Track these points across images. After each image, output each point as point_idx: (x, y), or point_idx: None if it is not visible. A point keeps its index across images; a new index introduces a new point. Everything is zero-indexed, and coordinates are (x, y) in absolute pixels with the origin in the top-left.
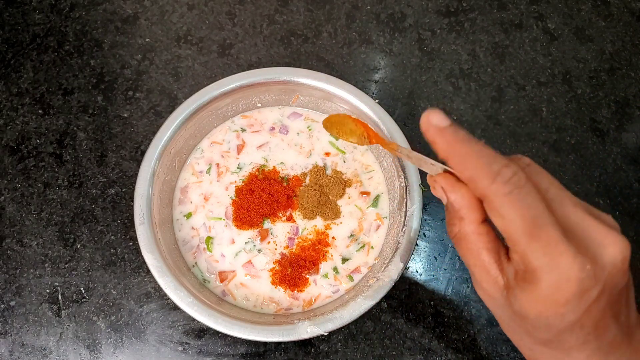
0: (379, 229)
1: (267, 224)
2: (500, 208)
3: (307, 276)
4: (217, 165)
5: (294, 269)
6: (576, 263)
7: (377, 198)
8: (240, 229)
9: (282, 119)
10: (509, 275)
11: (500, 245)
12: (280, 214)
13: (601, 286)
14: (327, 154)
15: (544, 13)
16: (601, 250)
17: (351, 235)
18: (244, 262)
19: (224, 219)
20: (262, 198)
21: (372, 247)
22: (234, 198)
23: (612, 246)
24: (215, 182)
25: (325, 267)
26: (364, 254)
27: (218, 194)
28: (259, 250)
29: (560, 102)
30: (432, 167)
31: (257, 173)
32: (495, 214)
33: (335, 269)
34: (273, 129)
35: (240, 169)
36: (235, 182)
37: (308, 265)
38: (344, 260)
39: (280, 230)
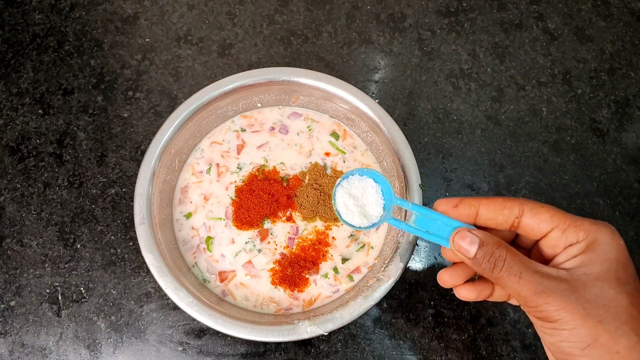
0: (379, 229)
1: (267, 224)
2: (537, 208)
3: (307, 276)
4: (217, 165)
5: (294, 269)
6: (609, 224)
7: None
8: (240, 229)
9: (282, 119)
10: (568, 264)
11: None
12: (280, 214)
13: None
14: (327, 154)
15: (544, 13)
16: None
17: (351, 235)
18: (244, 262)
19: (224, 219)
20: (262, 198)
21: (372, 247)
22: (234, 198)
23: (611, 229)
24: (215, 182)
25: (325, 267)
26: (364, 254)
27: (218, 194)
28: (259, 250)
29: (560, 102)
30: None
31: (257, 173)
32: (537, 216)
33: (335, 269)
34: (273, 129)
35: (240, 169)
36: (235, 182)
37: (308, 265)
38: (344, 260)
39: (280, 230)
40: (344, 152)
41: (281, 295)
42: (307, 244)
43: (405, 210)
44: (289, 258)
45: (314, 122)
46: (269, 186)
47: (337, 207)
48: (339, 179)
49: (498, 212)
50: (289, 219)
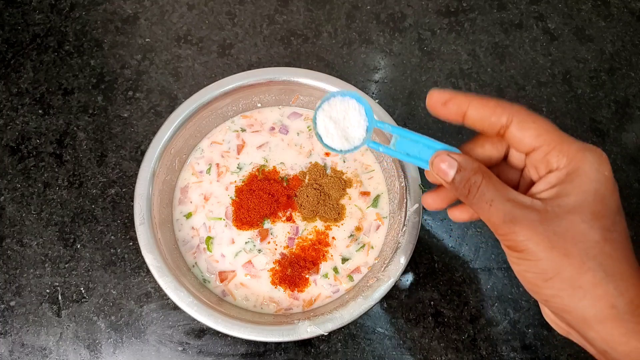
0: (379, 229)
1: (267, 224)
2: (526, 122)
3: (307, 276)
4: (217, 165)
5: (294, 269)
6: (597, 147)
7: (377, 198)
8: (240, 229)
9: (282, 119)
10: (546, 194)
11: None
12: (280, 214)
13: None
14: (327, 154)
15: (544, 13)
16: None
17: (351, 235)
18: (244, 262)
19: (224, 219)
20: (262, 198)
21: (372, 247)
22: (234, 198)
23: (601, 153)
24: (215, 182)
25: (325, 267)
26: (364, 254)
27: (218, 194)
28: (259, 250)
29: (560, 102)
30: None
31: (257, 173)
32: (524, 131)
33: (335, 269)
34: (273, 129)
35: (240, 169)
36: (235, 182)
37: (308, 265)
38: (344, 260)
39: (280, 230)
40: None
41: (281, 295)
42: (307, 244)
43: (406, 210)
44: (289, 258)
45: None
46: (269, 186)
47: (317, 130)
48: (319, 101)
49: (486, 117)
50: (289, 219)
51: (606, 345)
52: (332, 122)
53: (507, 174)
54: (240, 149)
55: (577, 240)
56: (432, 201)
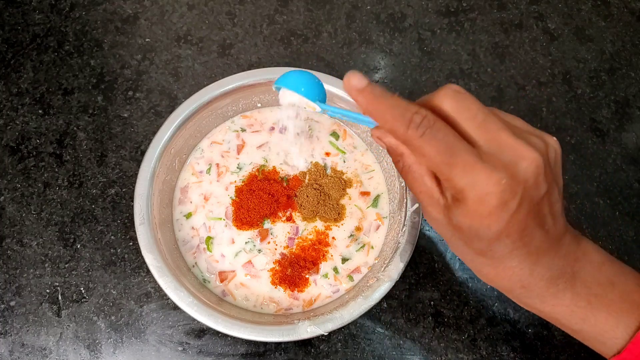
0: (379, 229)
1: (267, 224)
2: (419, 149)
3: (307, 276)
4: (217, 165)
5: (294, 269)
6: (492, 178)
7: (377, 198)
8: (240, 229)
9: (282, 119)
10: (448, 197)
11: None
12: (280, 214)
13: (519, 198)
14: (327, 153)
15: (544, 13)
16: (516, 165)
17: (351, 235)
18: (244, 262)
19: (224, 219)
20: (262, 198)
21: (372, 247)
22: (233, 198)
23: (524, 160)
24: (215, 182)
25: (325, 267)
26: (364, 254)
27: (218, 194)
28: (259, 250)
29: (560, 102)
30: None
31: (257, 173)
32: (418, 155)
33: (335, 269)
34: (273, 128)
35: (240, 169)
36: (235, 182)
37: (308, 265)
38: (344, 260)
39: (280, 230)
40: (344, 152)
41: (281, 295)
42: (307, 244)
43: (406, 210)
44: (289, 258)
45: (314, 122)
46: (268, 186)
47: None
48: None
49: (388, 127)
50: (289, 219)
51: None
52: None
53: None
54: (240, 148)
55: (461, 246)
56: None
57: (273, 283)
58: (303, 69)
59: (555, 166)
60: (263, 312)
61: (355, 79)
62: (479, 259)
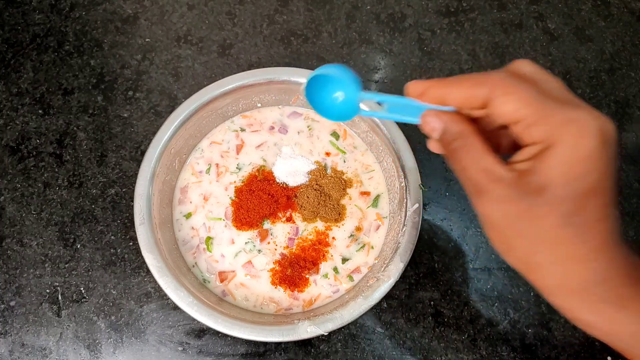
0: (379, 229)
1: (266, 225)
2: (505, 96)
3: (307, 276)
4: (217, 165)
5: (294, 269)
6: (591, 114)
7: (377, 198)
8: (239, 229)
9: (282, 119)
10: (520, 166)
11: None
12: (280, 215)
13: (613, 147)
14: (328, 153)
15: (544, 13)
16: (600, 119)
17: (351, 236)
18: (244, 262)
19: (223, 219)
20: (262, 199)
21: (372, 247)
22: (233, 198)
23: (606, 121)
24: (215, 182)
25: (325, 267)
26: (364, 254)
27: (217, 194)
28: (259, 250)
29: None
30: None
31: (256, 173)
32: (503, 105)
33: (335, 269)
34: (272, 128)
35: (239, 169)
36: (235, 182)
37: (308, 265)
38: (344, 260)
39: (280, 230)
40: (344, 152)
41: (281, 295)
42: (307, 244)
43: (406, 210)
44: (289, 258)
45: (314, 122)
46: (268, 187)
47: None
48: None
49: (466, 99)
50: (289, 219)
51: (561, 309)
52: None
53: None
54: (239, 148)
55: (534, 222)
56: (435, 146)
57: (273, 283)
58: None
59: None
60: (263, 312)
61: (415, 85)
62: (556, 231)
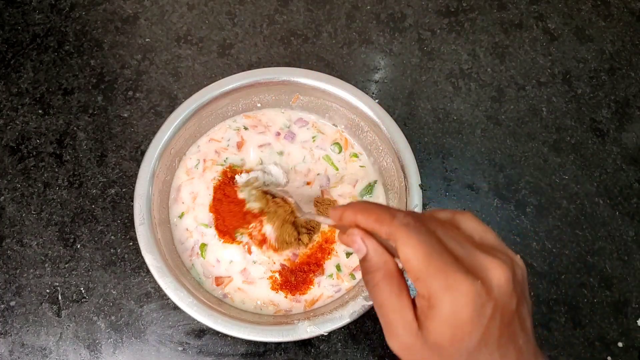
0: None
1: (243, 238)
2: (404, 238)
3: (313, 277)
4: (204, 160)
5: (298, 276)
6: (467, 280)
7: (369, 187)
8: (225, 242)
9: (290, 124)
10: (419, 314)
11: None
12: (252, 229)
13: (493, 302)
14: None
15: (544, 13)
16: (488, 275)
17: None
18: (240, 269)
19: (210, 227)
20: (231, 210)
21: None
22: (210, 202)
23: (496, 270)
24: (201, 178)
25: (329, 266)
26: None
27: (202, 193)
28: (254, 261)
29: (560, 102)
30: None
31: (228, 170)
32: (402, 245)
33: (338, 267)
34: (279, 134)
35: (224, 164)
36: (214, 178)
37: (313, 268)
38: (349, 254)
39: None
40: (337, 169)
41: (281, 299)
42: (314, 249)
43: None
44: (291, 268)
45: (319, 133)
46: (233, 194)
47: None
48: None
49: (371, 229)
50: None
51: None
52: None
53: None
54: (240, 145)
55: None
56: (344, 240)
57: (273, 289)
58: None
59: (524, 283)
60: (262, 312)
61: (332, 212)
62: None
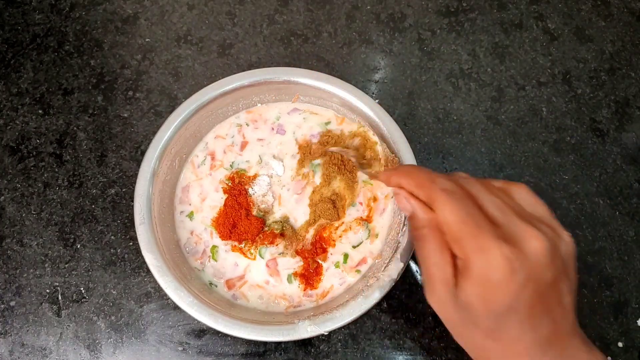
0: (384, 211)
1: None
2: (441, 203)
3: (322, 264)
4: (212, 157)
5: (311, 265)
6: (499, 244)
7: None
8: (234, 250)
9: (281, 116)
10: (458, 273)
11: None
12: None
13: (526, 272)
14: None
15: (544, 13)
16: (525, 243)
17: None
18: (268, 259)
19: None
20: (239, 215)
21: (377, 235)
22: (216, 214)
23: (533, 240)
24: (209, 177)
25: (336, 253)
26: (368, 242)
27: (210, 194)
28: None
29: (560, 102)
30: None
31: (235, 177)
32: (439, 209)
33: (345, 256)
34: (272, 129)
35: (232, 167)
36: (223, 181)
37: (319, 251)
38: (354, 247)
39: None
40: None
41: (294, 290)
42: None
43: None
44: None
45: (312, 114)
46: (242, 209)
47: None
48: None
49: (411, 191)
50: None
51: None
52: None
53: None
54: (243, 145)
55: (468, 332)
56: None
57: (294, 275)
58: None
59: (568, 260)
60: (270, 311)
61: (381, 174)
62: (487, 342)
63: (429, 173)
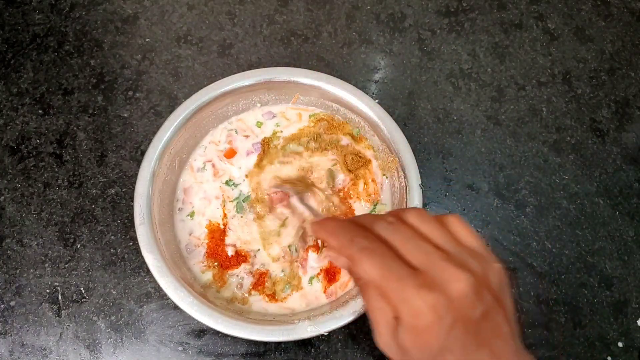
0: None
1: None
2: (361, 263)
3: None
4: (213, 165)
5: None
6: (422, 297)
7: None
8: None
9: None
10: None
11: None
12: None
13: (452, 314)
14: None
15: (544, 13)
16: (448, 286)
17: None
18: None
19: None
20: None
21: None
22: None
23: (456, 282)
24: (209, 184)
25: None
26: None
27: (214, 203)
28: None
29: (560, 102)
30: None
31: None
32: (360, 268)
33: None
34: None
35: (235, 185)
36: (222, 197)
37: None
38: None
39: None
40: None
41: (313, 292)
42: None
43: None
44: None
45: (284, 120)
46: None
47: None
48: None
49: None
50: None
51: None
52: None
53: None
54: (231, 153)
55: None
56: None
57: (317, 276)
58: None
59: (500, 290)
60: (269, 311)
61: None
62: None
63: (350, 231)
